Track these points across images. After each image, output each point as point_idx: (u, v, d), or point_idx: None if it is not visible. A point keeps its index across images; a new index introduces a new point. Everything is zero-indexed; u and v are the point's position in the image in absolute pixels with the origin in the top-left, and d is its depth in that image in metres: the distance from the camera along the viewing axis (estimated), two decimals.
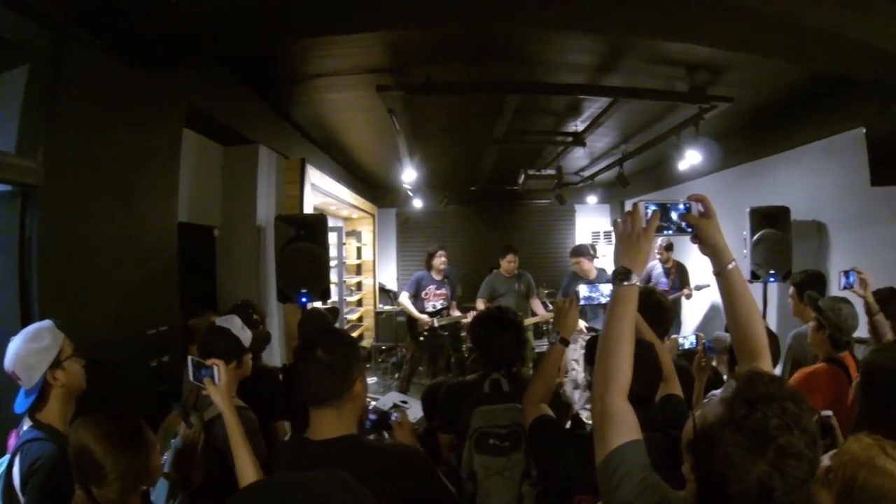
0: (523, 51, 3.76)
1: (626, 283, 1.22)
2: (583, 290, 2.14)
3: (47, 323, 1.84)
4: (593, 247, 6.44)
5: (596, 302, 2.07)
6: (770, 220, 4.31)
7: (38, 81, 2.26)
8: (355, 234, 8.65)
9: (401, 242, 9.63)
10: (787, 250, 4.19)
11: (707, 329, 5.93)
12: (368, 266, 8.80)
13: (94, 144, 2.51)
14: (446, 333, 5.65)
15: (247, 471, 1.57)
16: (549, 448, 1.78)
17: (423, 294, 5.58)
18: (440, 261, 5.62)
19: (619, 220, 1.30)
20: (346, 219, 8.51)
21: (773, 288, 4.43)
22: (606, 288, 1.98)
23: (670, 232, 1.32)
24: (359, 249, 8.64)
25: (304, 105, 4.66)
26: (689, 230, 1.32)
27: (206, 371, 1.73)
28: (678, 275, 6.06)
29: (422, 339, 5.48)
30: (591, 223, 9.73)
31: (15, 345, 1.77)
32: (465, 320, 5.57)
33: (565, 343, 2.07)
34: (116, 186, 2.70)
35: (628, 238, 1.27)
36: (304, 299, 3.88)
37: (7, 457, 1.74)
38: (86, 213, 2.49)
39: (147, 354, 2.88)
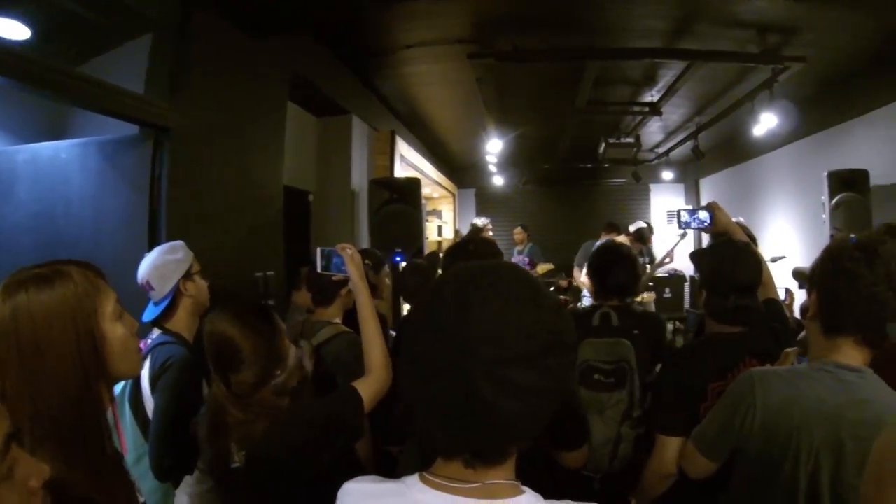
0: (602, 18, 3.79)
1: None
2: (683, 215, 2.14)
3: (179, 242, 1.98)
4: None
5: (694, 226, 2.11)
6: (849, 184, 4.13)
7: (163, 46, 2.53)
8: (436, 213, 8.86)
9: None
10: (866, 213, 4.02)
11: None
12: (448, 244, 9.01)
13: (215, 101, 2.80)
14: None
15: (373, 344, 1.59)
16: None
17: None
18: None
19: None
20: (427, 198, 8.72)
21: None
22: (703, 213, 2.08)
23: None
24: (440, 228, 8.85)
25: (392, 78, 4.85)
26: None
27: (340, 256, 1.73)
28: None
29: None
30: (666, 202, 9.39)
31: (151, 257, 1.88)
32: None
33: None
34: (233, 140, 2.98)
35: None
36: (397, 258, 3.97)
37: None
38: (208, 159, 2.77)
39: (254, 296, 3.10)
